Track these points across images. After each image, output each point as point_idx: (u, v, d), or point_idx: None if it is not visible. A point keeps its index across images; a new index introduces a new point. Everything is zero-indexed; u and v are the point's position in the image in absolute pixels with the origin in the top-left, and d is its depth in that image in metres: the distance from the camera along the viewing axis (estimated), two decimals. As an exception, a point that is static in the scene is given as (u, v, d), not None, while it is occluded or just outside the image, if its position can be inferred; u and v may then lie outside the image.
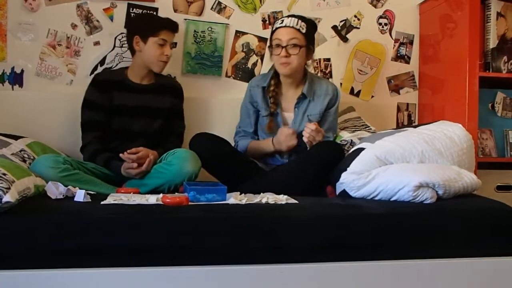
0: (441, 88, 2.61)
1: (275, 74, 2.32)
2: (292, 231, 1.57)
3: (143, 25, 2.31)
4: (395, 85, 2.84)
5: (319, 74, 2.71)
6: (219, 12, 2.64)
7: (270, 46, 2.30)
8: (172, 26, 2.31)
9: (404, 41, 2.83)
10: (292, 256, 1.55)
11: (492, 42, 2.48)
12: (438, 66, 2.65)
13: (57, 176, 1.91)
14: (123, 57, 2.56)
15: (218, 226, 1.54)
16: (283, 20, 2.25)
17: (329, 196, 2.00)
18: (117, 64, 2.55)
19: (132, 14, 2.55)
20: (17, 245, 1.43)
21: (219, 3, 2.64)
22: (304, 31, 2.23)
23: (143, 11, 2.56)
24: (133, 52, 2.32)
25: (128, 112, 2.28)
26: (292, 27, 2.22)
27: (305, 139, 2.13)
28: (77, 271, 1.44)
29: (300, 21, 2.24)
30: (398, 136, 1.99)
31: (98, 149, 2.21)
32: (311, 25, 2.31)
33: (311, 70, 2.51)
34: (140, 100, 2.30)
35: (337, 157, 2.04)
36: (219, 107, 2.59)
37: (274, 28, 2.28)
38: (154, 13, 2.57)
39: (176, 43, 2.53)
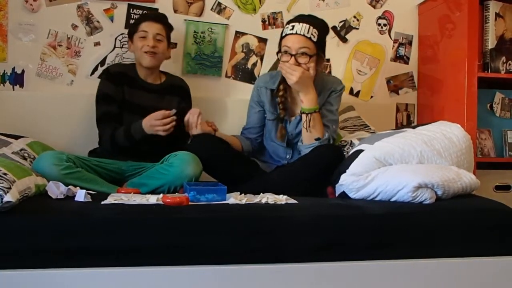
0: (440, 89, 2.62)
1: (284, 78, 2.20)
2: (292, 231, 1.58)
3: (130, 27, 2.34)
4: (394, 85, 2.84)
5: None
6: (219, 12, 2.65)
7: (279, 52, 2.20)
8: (152, 16, 2.32)
9: (403, 41, 2.83)
10: (291, 256, 1.56)
11: (491, 43, 2.49)
12: (437, 67, 2.66)
13: (60, 174, 1.91)
14: (124, 58, 2.57)
15: (218, 226, 1.54)
16: (293, 26, 2.14)
17: (330, 196, 2.00)
18: (117, 65, 2.56)
19: (132, 15, 2.56)
20: (17, 245, 1.44)
21: (219, 4, 2.64)
22: (315, 39, 2.14)
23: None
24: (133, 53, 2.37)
25: (137, 110, 2.26)
26: (303, 35, 2.12)
27: (291, 81, 2.11)
28: (77, 271, 1.45)
29: (311, 27, 2.13)
30: (397, 137, 2.00)
31: (115, 128, 2.21)
32: (323, 29, 2.21)
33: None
34: (148, 99, 2.31)
35: (337, 159, 2.03)
36: (219, 108, 2.60)
37: (284, 34, 2.18)
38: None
39: (176, 44, 2.54)
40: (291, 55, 2.13)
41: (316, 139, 2.15)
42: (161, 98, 2.34)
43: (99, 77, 2.41)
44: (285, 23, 2.53)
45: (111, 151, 2.23)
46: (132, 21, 2.54)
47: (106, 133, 2.23)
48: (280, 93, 2.24)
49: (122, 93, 2.28)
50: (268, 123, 2.31)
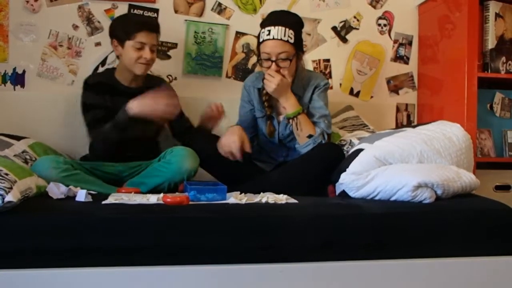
0: (440, 89, 2.62)
1: None
2: (292, 230, 1.58)
3: (119, 27, 2.20)
4: (394, 85, 2.85)
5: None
6: (219, 13, 2.66)
7: (259, 58, 2.18)
8: (150, 26, 2.20)
9: (403, 41, 2.84)
10: (292, 255, 1.56)
11: (491, 43, 2.49)
12: (437, 67, 2.66)
13: (59, 176, 1.91)
14: (124, 58, 2.57)
15: (218, 226, 1.54)
16: (270, 31, 2.11)
17: (330, 195, 2.00)
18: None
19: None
20: (18, 245, 1.44)
21: (220, 4, 2.65)
22: (292, 40, 2.11)
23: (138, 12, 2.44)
24: (117, 55, 2.27)
25: None
26: (281, 39, 2.09)
27: (269, 89, 2.13)
28: (77, 271, 1.45)
29: (287, 29, 2.10)
30: (397, 137, 2.01)
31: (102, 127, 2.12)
32: (298, 27, 2.19)
33: (307, 66, 2.46)
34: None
35: (338, 159, 2.04)
36: (219, 108, 2.59)
37: (261, 40, 2.15)
38: (152, 14, 2.57)
39: (176, 44, 2.53)
40: (272, 61, 2.12)
41: (308, 137, 2.16)
42: None
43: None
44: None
45: (102, 155, 2.17)
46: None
47: (97, 134, 2.15)
48: (264, 92, 2.24)
49: (104, 101, 2.19)
50: (259, 121, 2.33)
